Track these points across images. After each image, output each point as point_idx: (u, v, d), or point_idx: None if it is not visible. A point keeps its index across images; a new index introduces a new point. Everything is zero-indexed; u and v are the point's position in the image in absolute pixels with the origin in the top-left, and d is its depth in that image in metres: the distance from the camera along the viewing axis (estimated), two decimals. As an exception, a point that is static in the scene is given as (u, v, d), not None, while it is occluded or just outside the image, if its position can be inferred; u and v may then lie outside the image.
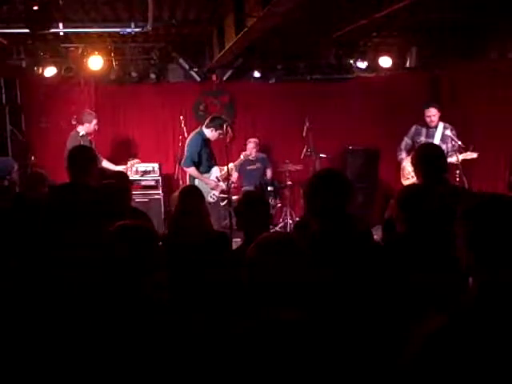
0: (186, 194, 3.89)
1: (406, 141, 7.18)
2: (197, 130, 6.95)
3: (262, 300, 1.90)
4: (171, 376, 1.97)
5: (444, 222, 2.79)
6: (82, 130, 7.12)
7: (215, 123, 6.76)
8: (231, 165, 6.98)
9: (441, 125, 6.93)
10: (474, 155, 6.62)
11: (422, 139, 6.92)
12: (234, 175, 7.52)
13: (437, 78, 8.99)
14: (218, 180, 6.77)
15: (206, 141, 6.81)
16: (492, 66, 7.82)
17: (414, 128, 7.13)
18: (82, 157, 4.02)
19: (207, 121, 6.88)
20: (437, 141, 6.68)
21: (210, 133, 6.75)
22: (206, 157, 6.82)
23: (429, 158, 3.72)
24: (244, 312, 1.98)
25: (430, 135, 6.91)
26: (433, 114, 6.89)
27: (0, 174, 5.47)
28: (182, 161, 6.97)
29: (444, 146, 6.44)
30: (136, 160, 7.72)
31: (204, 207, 3.87)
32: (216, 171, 6.85)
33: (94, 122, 7.21)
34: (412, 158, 3.95)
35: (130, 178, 5.83)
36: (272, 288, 1.90)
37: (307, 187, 2.85)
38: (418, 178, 3.74)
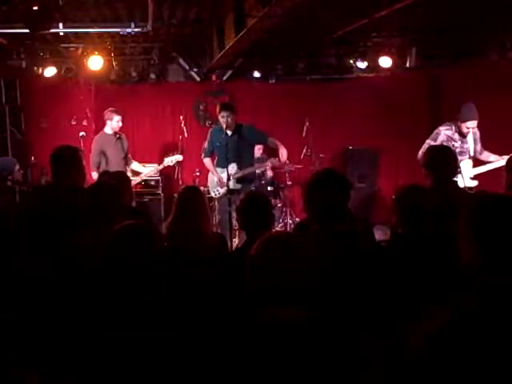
0: (185, 196, 3.85)
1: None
2: None
3: (263, 299, 1.91)
4: (170, 376, 1.97)
5: (444, 222, 2.79)
6: (107, 129, 7.00)
7: (220, 106, 6.38)
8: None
9: None
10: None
11: (457, 145, 6.07)
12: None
13: (437, 77, 8.99)
14: (229, 178, 6.21)
15: (222, 133, 6.36)
16: (492, 65, 7.83)
17: (443, 134, 6.10)
18: (63, 157, 3.97)
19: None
20: (471, 144, 6.16)
21: (220, 119, 6.32)
22: (221, 150, 6.38)
23: (439, 161, 3.76)
24: (244, 312, 1.98)
25: (465, 140, 6.14)
26: (475, 125, 6.05)
27: (3, 173, 5.49)
28: None
29: (478, 147, 6.19)
30: (175, 157, 7.20)
31: (203, 209, 3.82)
32: (232, 169, 6.34)
33: (116, 118, 6.93)
34: (422, 160, 3.98)
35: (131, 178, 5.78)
36: (274, 287, 1.90)
37: (307, 187, 2.86)
38: (427, 180, 3.78)
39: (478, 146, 6.28)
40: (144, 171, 7.26)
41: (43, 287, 2.55)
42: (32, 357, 2.22)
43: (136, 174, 7.23)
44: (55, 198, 3.72)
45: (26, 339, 2.29)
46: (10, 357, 2.17)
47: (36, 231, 2.90)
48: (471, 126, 6.05)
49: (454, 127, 6.11)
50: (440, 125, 6.29)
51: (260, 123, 8.86)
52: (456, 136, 6.12)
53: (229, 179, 6.22)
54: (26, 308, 2.44)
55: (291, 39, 7.24)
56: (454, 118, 6.16)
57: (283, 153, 6.43)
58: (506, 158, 6.08)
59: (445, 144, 5.96)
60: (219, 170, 6.57)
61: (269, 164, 7.00)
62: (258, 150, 8.01)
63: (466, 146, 6.13)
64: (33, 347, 2.27)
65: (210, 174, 6.75)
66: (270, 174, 8.34)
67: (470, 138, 6.17)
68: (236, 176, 6.47)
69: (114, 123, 6.93)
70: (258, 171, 7.45)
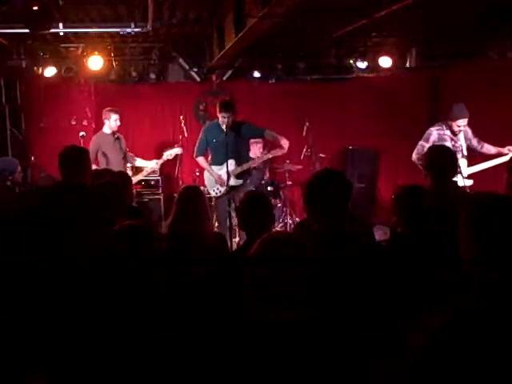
0: (185, 196, 3.84)
1: (427, 147, 5.89)
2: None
3: (263, 299, 1.91)
4: (170, 376, 1.97)
5: (444, 222, 2.79)
6: (106, 129, 6.99)
7: (220, 105, 6.37)
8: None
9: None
10: None
11: (449, 144, 6.06)
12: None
13: (437, 77, 8.99)
14: (229, 175, 6.21)
15: (218, 129, 6.38)
16: (492, 65, 7.83)
17: (435, 133, 6.17)
18: (71, 157, 3.99)
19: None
20: (463, 142, 6.22)
21: (220, 118, 6.33)
22: (217, 147, 6.39)
23: (439, 161, 3.77)
24: (244, 312, 1.98)
25: (456, 139, 6.19)
26: (465, 123, 6.12)
27: (4, 173, 5.49)
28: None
29: (474, 142, 6.24)
30: (174, 150, 7.24)
31: (203, 209, 3.81)
32: (230, 165, 6.26)
33: (114, 117, 6.92)
34: (422, 161, 3.99)
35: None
36: (273, 287, 1.90)
37: (307, 187, 2.85)
38: (427, 180, 3.78)
39: (475, 141, 6.32)
40: (149, 165, 7.30)
41: (43, 287, 2.55)
42: (31, 357, 2.22)
43: (135, 172, 7.28)
44: (58, 198, 3.72)
45: (25, 339, 2.29)
46: (10, 357, 2.17)
47: (36, 231, 2.90)
48: (462, 124, 6.11)
49: (444, 126, 6.18)
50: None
51: (260, 123, 8.83)
52: (447, 135, 6.17)
53: (229, 177, 6.22)
54: (25, 308, 2.44)
55: (291, 39, 7.24)
56: (446, 117, 6.23)
57: (286, 142, 6.43)
58: (505, 149, 6.14)
59: (437, 144, 6.02)
60: (215, 167, 6.58)
61: (270, 155, 6.96)
62: (259, 150, 8.00)
63: (457, 144, 6.17)
64: (32, 348, 2.27)
65: (205, 172, 6.75)
66: (267, 173, 8.24)
67: (461, 136, 6.23)
68: (235, 172, 6.48)
69: (111, 122, 6.93)
70: (258, 165, 7.42)
